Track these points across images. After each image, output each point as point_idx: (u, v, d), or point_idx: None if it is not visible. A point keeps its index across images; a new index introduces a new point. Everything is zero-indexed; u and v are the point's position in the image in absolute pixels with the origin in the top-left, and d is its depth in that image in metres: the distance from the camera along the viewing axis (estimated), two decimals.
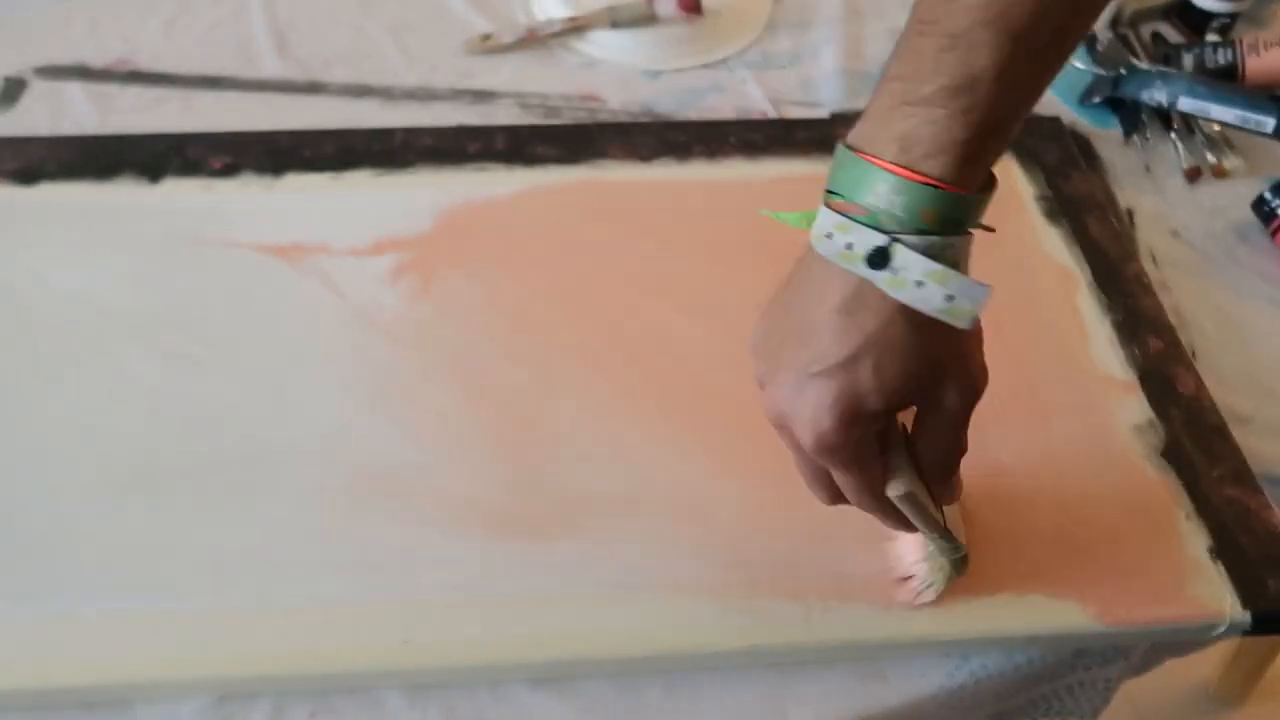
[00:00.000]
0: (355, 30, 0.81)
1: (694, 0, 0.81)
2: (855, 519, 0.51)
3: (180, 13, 0.80)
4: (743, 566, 0.49)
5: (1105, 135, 0.76)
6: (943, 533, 0.44)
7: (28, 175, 0.65)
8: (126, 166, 0.66)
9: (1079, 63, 0.79)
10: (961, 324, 0.37)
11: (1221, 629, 0.49)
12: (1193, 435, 0.55)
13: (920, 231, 0.36)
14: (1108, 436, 0.55)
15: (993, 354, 0.58)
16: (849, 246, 0.37)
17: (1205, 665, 1.11)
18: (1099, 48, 0.81)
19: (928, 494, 0.42)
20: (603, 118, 0.75)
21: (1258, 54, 0.78)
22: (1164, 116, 0.76)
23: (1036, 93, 0.38)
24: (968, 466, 0.53)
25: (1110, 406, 0.56)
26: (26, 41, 0.77)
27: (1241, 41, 0.78)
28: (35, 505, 0.50)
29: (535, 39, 0.80)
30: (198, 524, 0.49)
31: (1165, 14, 0.87)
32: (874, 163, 0.37)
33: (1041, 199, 0.67)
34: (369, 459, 0.52)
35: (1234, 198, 0.71)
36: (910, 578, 0.48)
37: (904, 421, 0.43)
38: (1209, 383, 0.58)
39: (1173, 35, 0.86)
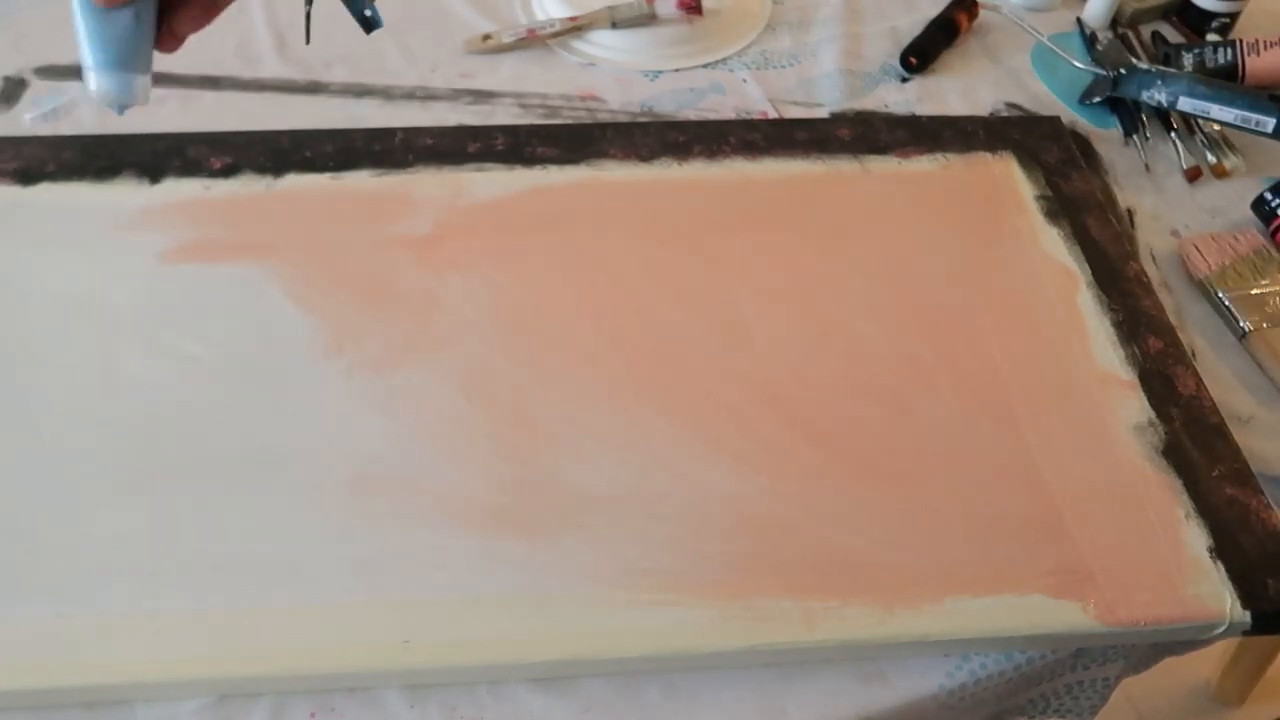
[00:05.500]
0: (355, 30, 0.80)
1: (694, 0, 0.81)
2: (856, 518, 0.51)
3: None
4: (743, 566, 0.49)
5: (1105, 135, 0.76)
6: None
7: (28, 175, 0.65)
8: (126, 166, 0.66)
9: (1079, 63, 0.79)
10: None
11: (1221, 629, 0.49)
12: (1193, 435, 0.55)
13: None
14: (1108, 436, 0.55)
15: (993, 353, 0.59)
16: None
17: (1205, 665, 1.11)
18: (1099, 48, 0.81)
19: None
20: (603, 118, 0.75)
21: (1258, 54, 0.78)
22: (1164, 116, 0.76)
23: None
24: (966, 463, 0.53)
25: (1110, 406, 0.56)
26: (26, 41, 0.77)
27: (1241, 41, 0.78)
28: (35, 505, 0.50)
29: (535, 39, 0.80)
30: (198, 524, 0.49)
31: (1165, 14, 0.88)
32: None
33: (1041, 199, 0.68)
34: (369, 459, 0.52)
35: (1234, 198, 0.71)
36: None
37: None
38: (1209, 383, 0.58)
39: (1173, 35, 0.86)
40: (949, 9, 0.83)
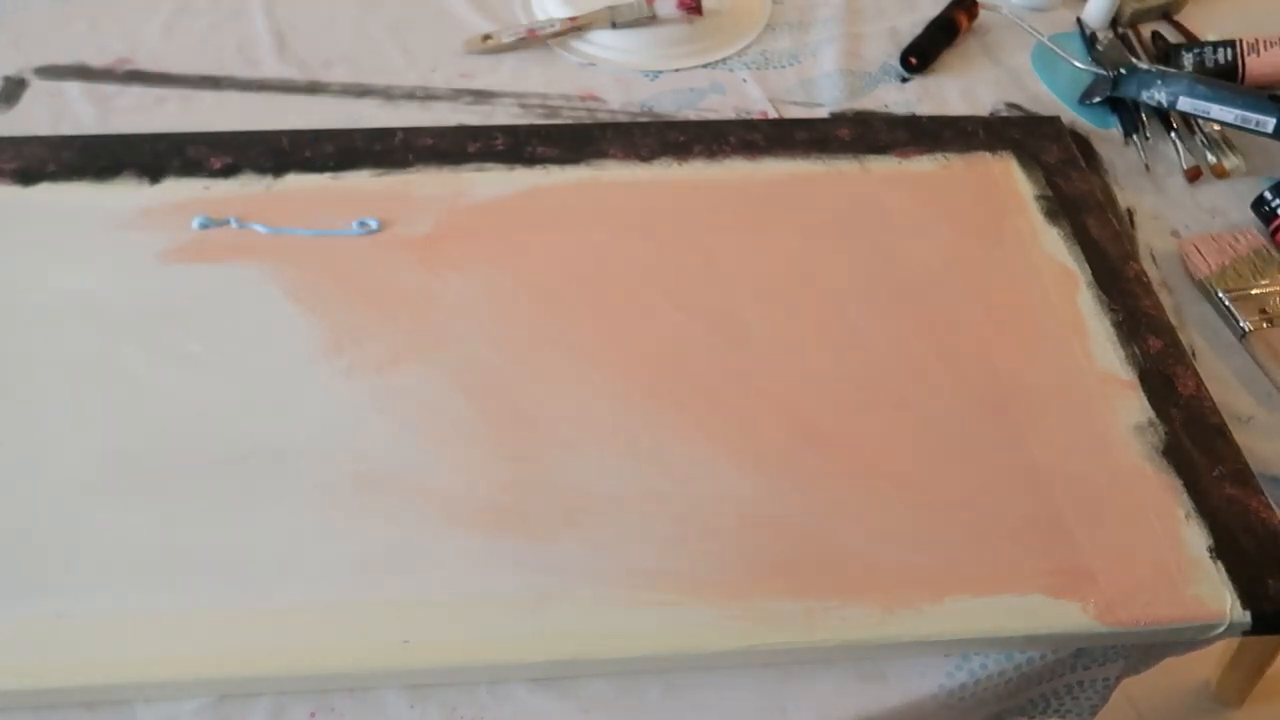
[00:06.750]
0: (355, 30, 0.81)
1: (694, 0, 0.81)
2: (856, 518, 0.51)
3: (180, 13, 0.80)
4: (743, 566, 0.49)
5: (1105, 135, 0.76)
6: None
7: (28, 175, 0.65)
8: (126, 166, 0.66)
9: (1079, 63, 0.79)
10: None
11: (1221, 629, 0.49)
12: (1193, 435, 0.55)
13: None
14: (1108, 436, 0.55)
15: (993, 353, 0.59)
16: None
17: (1205, 665, 1.11)
18: (1099, 47, 0.81)
19: None
20: (603, 118, 0.75)
21: (1258, 54, 0.78)
22: (1164, 116, 0.76)
23: None
24: (966, 463, 0.53)
25: (1110, 406, 0.56)
26: (26, 41, 0.77)
27: (1241, 41, 0.78)
28: (35, 505, 0.50)
29: (535, 39, 0.80)
30: (197, 524, 0.49)
31: (1165, 14, 0.88)
32: None
33: (1041, 199, 0.68)
34: (369, 459, 0.52)
35: (1234, 198, 0.71)
36: None
37: None
38: (1209, 383, 0.58)
39: (1173, 35, 0.86)
40: (949, 9, 0.83)
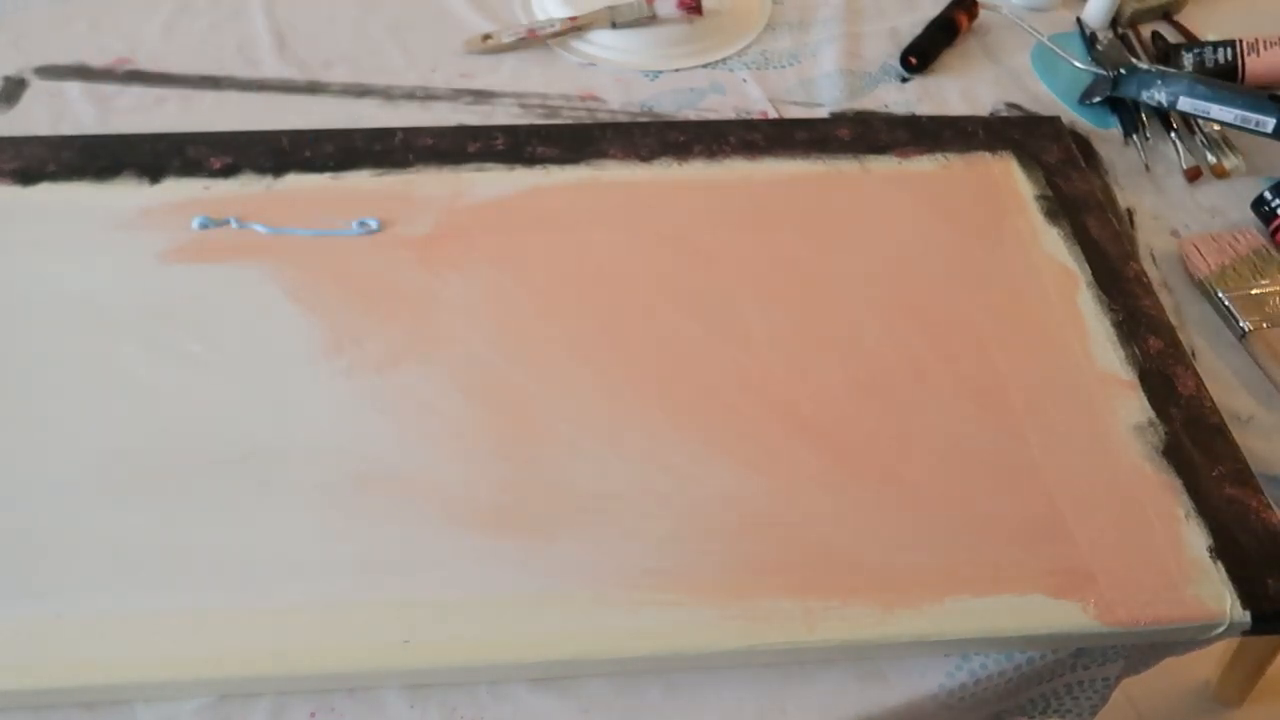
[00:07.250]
0: (355, 30, 0.81)
1: (694, 0, 0.81)
2: (856, 518, 0.51)
3: (180, 13, 0.80)
4: (743, 566, 0.49)
5: (1105, 135, 0.76)
6: None
7: (28, 175, 0.65)
8: (126, 166, 0.66)
9: (1079, 63, 0.79)
10: None
11: (1221, 629, 0.49)
12: (1193, 435, 0.55)
13: None
14: (1108, 436, 0.55)
15: (993, 353, 0.59)
16: None
17: (1205, 665, 1.11)
18: (1099, 47, 0.81)
19: None
20: (603, 118, 0.75)
21: (1258, 54, 0.78)
22: (1164, 116, 0.76)
23: None
24: (966, 463, 0.54)
25: (1110, 406, 0.56)
26: (26, 41, 0.77)
27: (1241, 41, 0.78)
28: (35, 505, 0.50)
29: (535, 39, 0.80)
30: (198, 523, 0.49)
31: (1165, 14, 0.88)
32: None
33: (1041, 199, 0.68)
34: (369, 459, 0.52)
35: (1234, 198, 0.71)
36: None
37: None
38: (1209, 383, 0.58)
39: (1173, 35, 0.86)
40: (949, 9, 0.83)
